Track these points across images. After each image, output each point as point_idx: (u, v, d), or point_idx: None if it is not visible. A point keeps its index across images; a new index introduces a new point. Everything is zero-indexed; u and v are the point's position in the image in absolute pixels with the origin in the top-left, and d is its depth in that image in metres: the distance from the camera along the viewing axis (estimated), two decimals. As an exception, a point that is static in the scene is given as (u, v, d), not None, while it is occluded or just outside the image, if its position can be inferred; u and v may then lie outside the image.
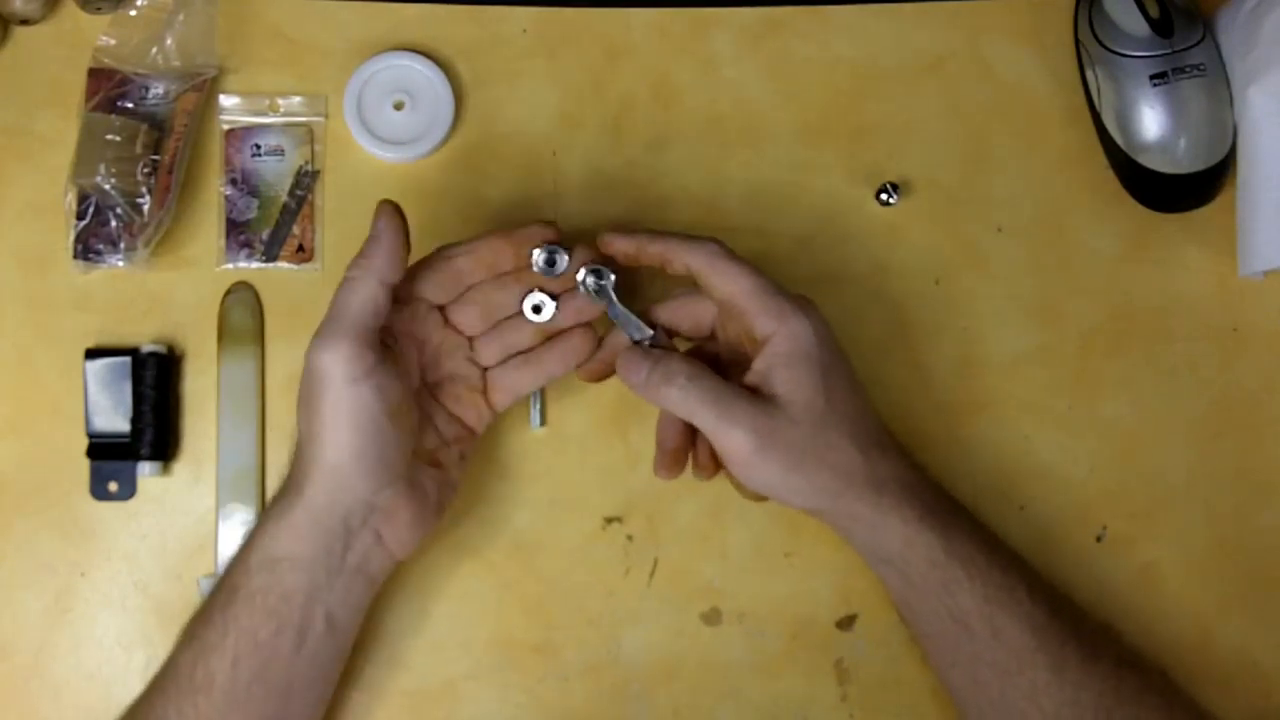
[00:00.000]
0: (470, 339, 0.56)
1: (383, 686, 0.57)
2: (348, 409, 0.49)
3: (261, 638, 0.50)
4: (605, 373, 0.57)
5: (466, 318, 0.56)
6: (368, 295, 0.50)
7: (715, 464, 0.55)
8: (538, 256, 0.55)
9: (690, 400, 0.52)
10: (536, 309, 0.55)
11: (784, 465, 0.51)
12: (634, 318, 0.55)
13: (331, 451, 0.49)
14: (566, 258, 0.55)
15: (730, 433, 0.51)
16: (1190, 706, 0.53)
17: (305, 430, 0.51)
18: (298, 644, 0.50)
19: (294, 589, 0.50)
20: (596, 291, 0.55)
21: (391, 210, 0.51)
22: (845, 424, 0.52)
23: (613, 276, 0.55)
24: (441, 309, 0.55)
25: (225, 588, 0.51)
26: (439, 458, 0.54)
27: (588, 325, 0.56)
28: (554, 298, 0.55)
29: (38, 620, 0.57)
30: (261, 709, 0.50)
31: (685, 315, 0.56)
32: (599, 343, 0.56)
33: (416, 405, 0.53)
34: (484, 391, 0.56)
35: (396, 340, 0.53)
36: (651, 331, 0.55)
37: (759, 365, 0.53)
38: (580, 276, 0.55)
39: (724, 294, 0.53)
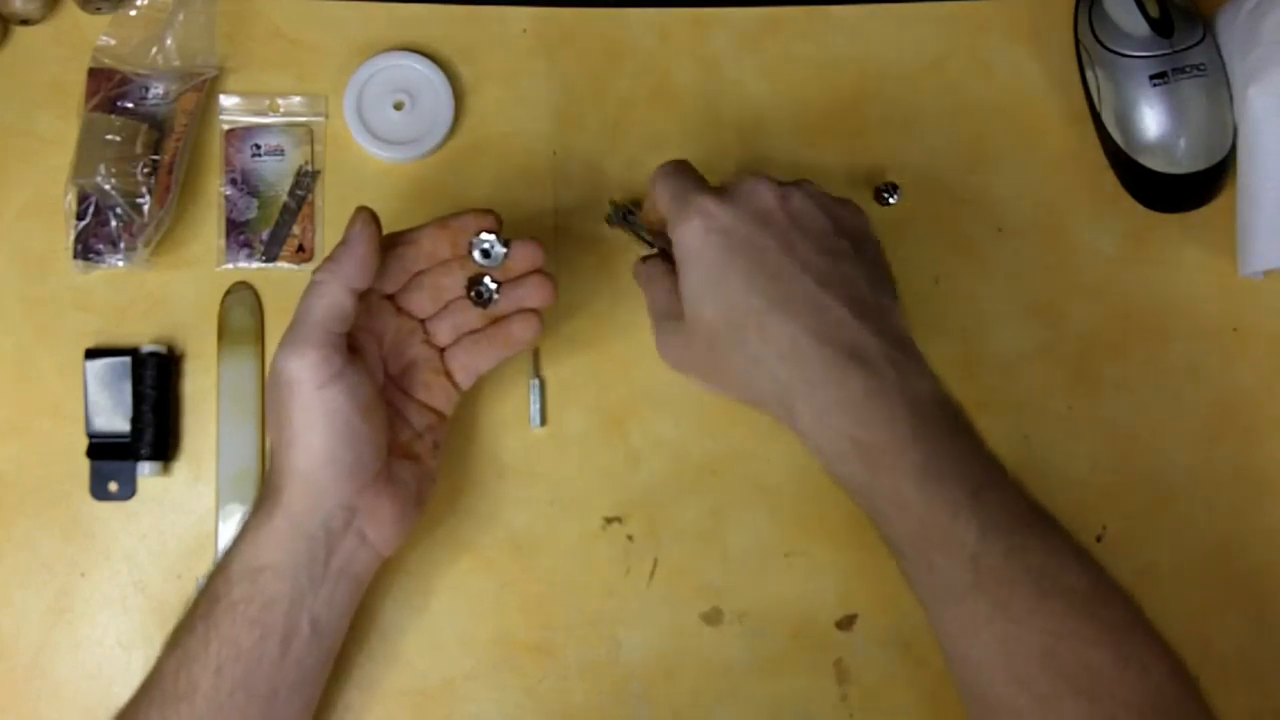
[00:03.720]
0: (422, 322, 0.56)
1: (381, 686, 0.57)
2: (319, 414, 0.49)
3: (245, 646, 0.49)
4: None
5: (416, 302, 0.55)
6: (334, 301, 0.49)
7: None
8: (474, 249, 0.55)
9: (647, 302, 0.56)
10: (478, 295, 0.55)
11: (699, 375, 0.53)
12: (646, 235, 0.58)
13: (305, 458, 0.49)
14: (503, 249, 0.55)
15: (657, 342, 0.54)
16: (1158, 652, 0.48)
17: (277, 438, 0.50)
18: (282, 650, 0.50)
19: (276, 597, 0.50)
20: (624, 224, 0.59)
21: (368, 217, 0.51)
22: (745, 337, 0.49)
23: (633, 212, 0.59)
24: (391, 298, 0.55)
25: (207, 597, 0.50)
26: (414, 450, 0.54)
27: (531, 312, 0.56)
28: (497, 284, 0.55)
29: (38, 620, 0.57)
30: (245, 715, 0.50)
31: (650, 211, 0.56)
32: (540, 329, 0.56)
33: (385, 400, 0.53)
34: (446, 372, 0.56)
35: (356, 338, 0.52)
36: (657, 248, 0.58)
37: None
38: (611, 213, 0.60)
39: (658, 210, 0.54)
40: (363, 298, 0.51)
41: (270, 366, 0.50)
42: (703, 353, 0.51)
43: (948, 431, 0.49)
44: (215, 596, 0.50)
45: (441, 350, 0.56)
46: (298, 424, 0.49)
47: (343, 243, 0.51)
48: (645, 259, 0.57)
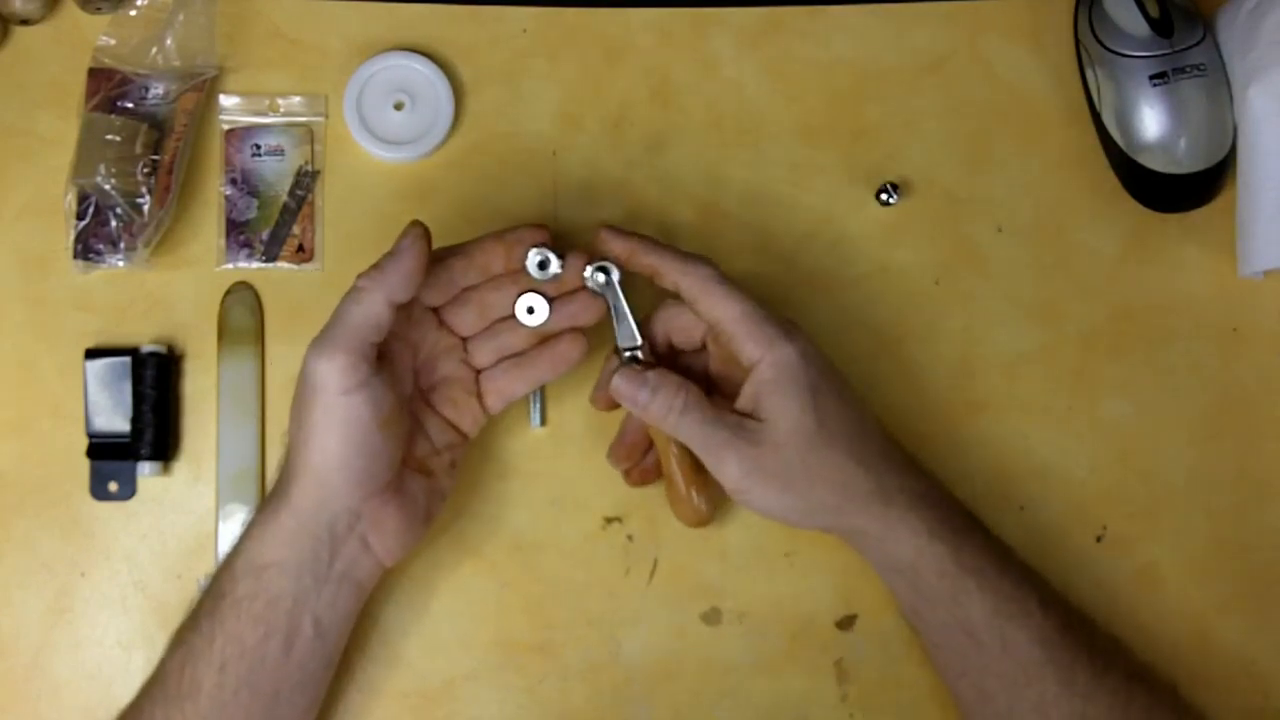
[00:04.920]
0: (464, 340, 0.56)
1: (382, 687, 0.57)
2: (339, 418, 0.49)
3: (249, 643, 0.50)
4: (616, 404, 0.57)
5: (461, 318, 0.56)
6: (372, 310, 0.49)
7: (654, 474, 0.58)
8: (531, 259, 0.55)
9: (683, 430, 0.53)
10: (530, 310, 0.55)
11: (776, 489, 0.52)
12: (632, 321, 0.55)
13: (319, 458, 0.49)
14: (559, 262, 0.55)
15: (720, 463, 0.52)
16: None
17: (295, 436, 0.51)
18: (285, 649, 0.50)
19: (280, 594, 0.50)
20: (604, 286, 0.55)
21: (419, 232, 0.51)
22: (841, 441, 0.53)
23: (618, 273, 0.55)
24: (435, 311, 0.55)
25: (212, 593, 0.51)
26: (429, 465, 0.54)
27: (578, 332, 0.56)
28: (549, 300, 0.55)
29: (38, 620, 0.57)
30: (249, 714, 0.50)
31: (679, 326, 0.56)
32: (587, 348, 0.56)
33: (409, 412, 0.53)
34: (478, 394, 0.56)
35: (391, 346, 0.53)
36: (640, 341, 0.55)
37: (748, 390, 0.53)
38: (588, 272, 0.55)
39: (712, 318, 0.54)
40: (405, 308, 0.51)
41: (302, 362, 0.50)
42: (792, 461, 0.52)
43: (972, 516, 0.57)
44: (220, 593, 0.50)
45: (478, 372, 0.56)
46: (317, 424, 0.49)
47: (391, 253, 0.51)
48: (642, 377, 0.54)
